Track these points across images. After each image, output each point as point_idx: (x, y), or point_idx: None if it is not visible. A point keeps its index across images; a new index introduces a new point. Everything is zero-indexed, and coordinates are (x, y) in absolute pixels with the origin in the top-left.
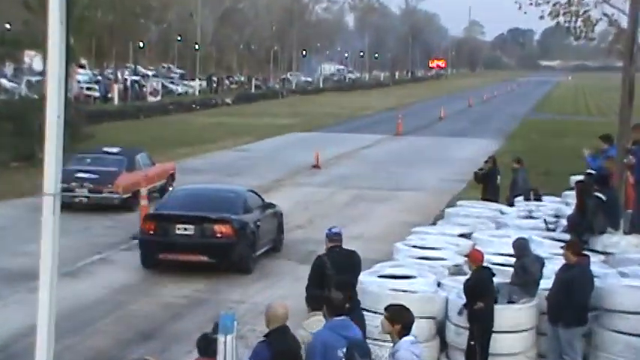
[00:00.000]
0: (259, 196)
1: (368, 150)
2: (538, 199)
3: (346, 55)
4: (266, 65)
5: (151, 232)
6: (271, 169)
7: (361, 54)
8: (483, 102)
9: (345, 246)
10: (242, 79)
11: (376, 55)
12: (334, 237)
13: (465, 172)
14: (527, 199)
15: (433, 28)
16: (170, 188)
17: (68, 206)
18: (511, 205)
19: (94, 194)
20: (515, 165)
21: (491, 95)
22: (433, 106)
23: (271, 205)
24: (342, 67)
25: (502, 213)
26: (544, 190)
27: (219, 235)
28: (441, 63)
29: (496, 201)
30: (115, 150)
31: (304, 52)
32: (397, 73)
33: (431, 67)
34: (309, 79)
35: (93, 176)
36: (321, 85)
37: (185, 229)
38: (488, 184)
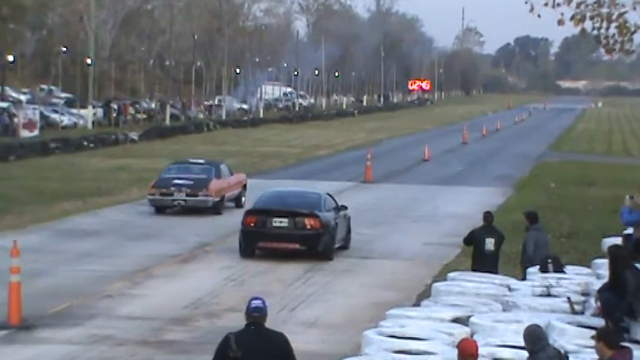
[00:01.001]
0: (334, 199)
1: None
2: (559, 270)
3: (296, 73)
4: (186, 87)
5: (252, 225)
6: (192, 230)
7: (316, 72)
8: (483, 137)
9: (294, 335)
10: (153, 106)
11: (337, 74)
12: (252, 312)
13: (458, 232)
14: (544, 270)
15: (414, 37)
16: (243, 198)
17: (167, 208)
18: (523, 278)
19: (190, 197)
20: (527, 224)
21: (494, 128)
22: (414, 144)
23: (343, 207)
24: (290, 89)
25: (510, 289)
26: (567, 257)
27: (309, 227)
28: (425, 84)
29: (493, 272)
30: (201, 160)
31: (238, 70)
32: (366, 98)
33: (411, 90)
34: (245, 107)
35: (189, 182)
36: (261, 114)
37: (280, 222)
38: (477, 249)
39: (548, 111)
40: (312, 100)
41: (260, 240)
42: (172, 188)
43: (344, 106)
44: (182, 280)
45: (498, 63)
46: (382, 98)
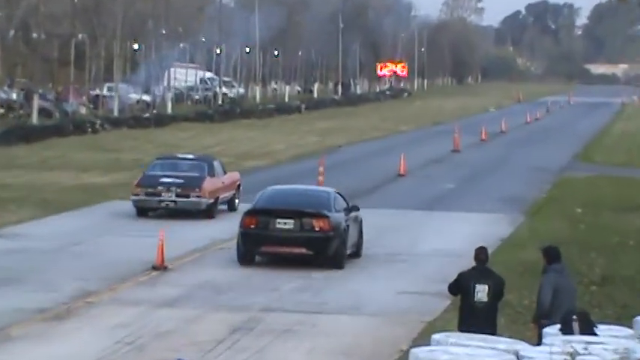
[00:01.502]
0: (344, 198)
1: None
2: (588, 330)
3: (218, 51)
4: (61, 70)
5: (252, 227)
6: (71, 271)
7: (247, 50)
8: (481, 143)
9: None
10: (14, 96)
11: (276, 53)
12: None
13: (446, 277)
14: (567, 330)
15: (385, 2)
16: (237, 200)
17: (152, 210)
18: (538, 342)
19: (181, 199)
20: (545, 263)
21: (497, 130)
22: (386, 152)
23: (355, 208)
24: (210, 74)
25: (520, 358)
26: (598, 313)
27: (317, 229)
28: (400, 68)
29: (487, 331)
30: (191, 155)
31: (136, 46)
32: (317, 88)
33: (381, 77)
34: (147, 98)
35: (178, 181)
36: (169, 108)
37: (285, 223)
38: (465, 299)
39: (574, 106)
40: (242, 90)
41: (262, 244)
42: (160, 187)
43: (286, 99)
44: (53, 344)
45: (504, 39)
46: (341, 88)
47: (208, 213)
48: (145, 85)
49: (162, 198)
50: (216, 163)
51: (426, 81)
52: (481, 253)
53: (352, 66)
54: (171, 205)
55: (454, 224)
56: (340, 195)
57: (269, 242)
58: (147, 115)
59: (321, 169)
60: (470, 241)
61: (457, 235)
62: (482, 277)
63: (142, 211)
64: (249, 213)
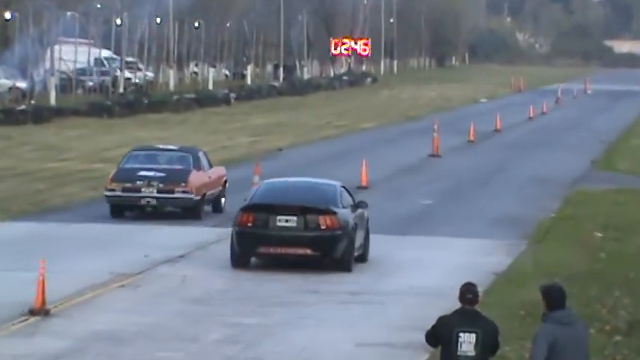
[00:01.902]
0: (350, 193)
1: (173, 268)
2: None
3: (118, 22)
4: None
5: (249, 225)
6: None
7: (158, 21)
8: (469, 146)
9: None
10: None
11: (196, 25)
12: None
13: (421, 323)
14: None
15: None
16: (223, 199)
17: (129, 210)
18: None
19: (164, 195)
20: (544, 309)
21: (490, 128)
22: (342, 156)
23: (362, 204)
24: (109, 53)
25: None
26: None
27: (323, 227)
28: (361, 46)
29: None
30: (173, 146)
31: (8, 15)
32: (252, 72)
33: (336, 56)
34: (22, 85)
35: (160, 174)
36: (52, 99)
37: (287, 220)
38: (445, 351)
39: (592, 96)
40: (151, 74)
41: (260, 244)
42: (139, 182)
43: (211, 86)
44: None
45: (499, 8)
46: (283, 71)
47: (195, 212)
48: (19, 67)
49: (142, 194)
50: (201, 155)
51: (396, 63)
52: (468, 292)
53: (298, 43)
54: (153, 202)
55: (433, 253)
56: (346, 189)
57: (268, 242)
58: (22, 107)
59: (256, 178)
60: (454, 276)
61: (437, 268)
62: (468, 323)
63: (118, 210)
64: (245, 209)
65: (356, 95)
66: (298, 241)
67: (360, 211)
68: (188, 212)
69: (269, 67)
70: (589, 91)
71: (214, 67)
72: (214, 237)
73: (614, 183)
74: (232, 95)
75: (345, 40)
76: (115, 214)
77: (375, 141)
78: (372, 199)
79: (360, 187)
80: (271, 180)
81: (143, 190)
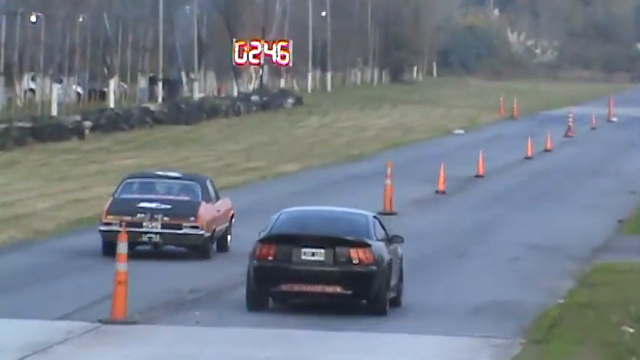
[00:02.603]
0: (382, 225)
1: None
2: None
3: None
4: None
5: (270, 258)
6: None
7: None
8: (436, 197)
9: None
10: None
11: (33, 20)
12: None
13: None
14: None
15: None
16: (229, 236)
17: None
18: None
19: (170, 230)
20: None
21: (467, 173)
22: (250, 219)
23: (398, 239)
24: None
25: None
26: None
27: (356, 261)
28: (278, 51)
29: None
30: (176, 174)
31: None
32: (114, 88)
33: (241, 66)
34: None
35: (165, 206)
36: None
37: (313, 253)
38: None
39: (618, 124)
40: None
41: (282, 281)
42: (141, 215)
43: (54, 111)
44: None
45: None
46: (162, 88)
47: (203, 251)
48: None
49: (143, 229)
50: (208, 184)
51: (330, 76)
52: None
53: (185, 47)
54: (156, 238)
55: (387, 354)
56: (379, 220)
57: (292, 279)
58: None
59: (121, 247)
60: None
61: None
62: None
63: (113, 247)
64: (265, 240)
65: (271, 124)
66: (328, 277)
67: (394, 246)
68: (195, 251)
69: (142, 83)
70: (614, 118)
71: (60, 81)
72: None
73: None
74: (87, 124)
75: (254, 44)
76: (109, 251)
77: (300, 192)
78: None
79: None
80: (292, 208)
81: (145, 224)
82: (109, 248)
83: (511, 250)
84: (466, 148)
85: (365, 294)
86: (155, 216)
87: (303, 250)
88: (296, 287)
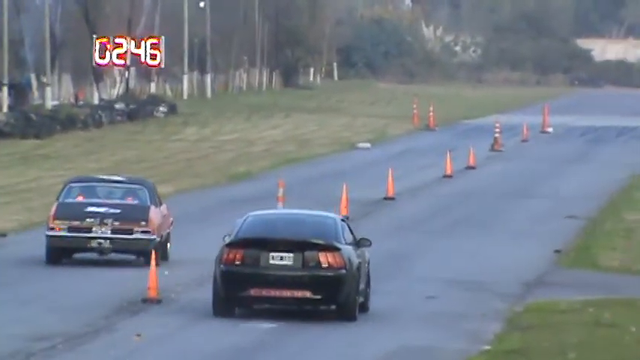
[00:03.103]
0: (350, 228)
1: None
2: None
3: None
4: None
5: (237, 263)
6: None
7: None
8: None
9: None
10: None
11: None
12: None
13: None
14: None
15: None
16: (169, 244)
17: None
18: None
19: (120, 235)
20: None
21: (375, 194)
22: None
23: (365, 242)
24: None
25: None
26: None
27: (325, 265)
28: (148, 50)
29: None
30: (121, 178)
31: None
32: None
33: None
34: None
35: (114, 210)
36: None
37: (281, 257)
38: None
39: (555, 136)
40: None
41: (250, 286)
42: (89, 220)
43: None
44: None
45: None
46: (8, 94)
47: (162, 254)
48: None
49: (92, 234)
50: (154, 188)
51: (210, 79)
52: None
53: (35, 45)
54: (105, 244)
55: None
56: (347, 223)
57: (261, 283)
58: None
59: None
60: None
61: None
62: None
63: (60, 254)
64: (232, 244)
65: (140, 136)
66: (297, 282)
67: (361, 249)
68: (143, 257)
69: None
70: (549, 129)
71: None
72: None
73: (596, 289)
74: None
75: (119, 41)
76: (53, 259)
77: (174, 219)
78: None
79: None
80: (259, 212)
81: (94, 229)
82: (54, 255)
83: (427, 286)
84: (373, 165)
85: (334, 299)
86: (105, 220)
87: (272, 254)
88: (264, 292)
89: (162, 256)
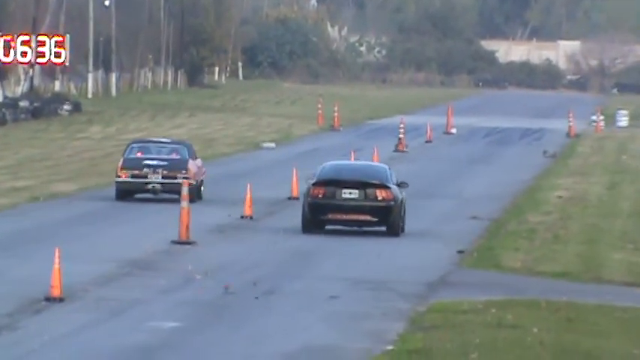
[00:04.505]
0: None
1: None
2: None
3: None
4: None
5: (320, 196)
6: None
7: None
8: (245, 223)
9: None
10: None
11: None
12: None
13: None
14: None
15: None
16: (202, 187)
17: (136, 193)
18: None
19: (168, 180)
20: None
21: (280, 194)
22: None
23: (404, 185)
24: None
25: None
26: None
27: (380, 198)
28: (53, 48)
29: None
30: (167, 139)
31: None
32: None
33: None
34: None
35: (163, 163)
36: None
37: (350, 192)
38: None
39: (458, 137)
40: None
41: (329, 212)
42: (145, 170)
43: None
44: None
45: None
46: None
47: (197, 194)
48: None
49: (148, 180)
50: (191, 147)
51: (114, 78)
52: None
53: None
54: (158, 187)
55: None
56: (392, 171)
57: (336, 210)
58: None
59: None
60: None
61: None
62: None
63: (126, 194)
64: (316, 184)
65: (44, 134)
66: (360, 209)
67: (402, 189)
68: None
69: None
70: (453, 130)
71: None
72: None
73: (498, 290)
74: None
75: (23, 37)
76: (121, 198)
77: (79, 217)
78: None
79: None
80: (332, 162)
81: (149, 176)
82: (121, 195)
83: (331, 286)
84: (278, 165)
85: (385, 221)
86: (157, 170)
87: (343, 190)
88: (338, 216)
89: (197, 196)
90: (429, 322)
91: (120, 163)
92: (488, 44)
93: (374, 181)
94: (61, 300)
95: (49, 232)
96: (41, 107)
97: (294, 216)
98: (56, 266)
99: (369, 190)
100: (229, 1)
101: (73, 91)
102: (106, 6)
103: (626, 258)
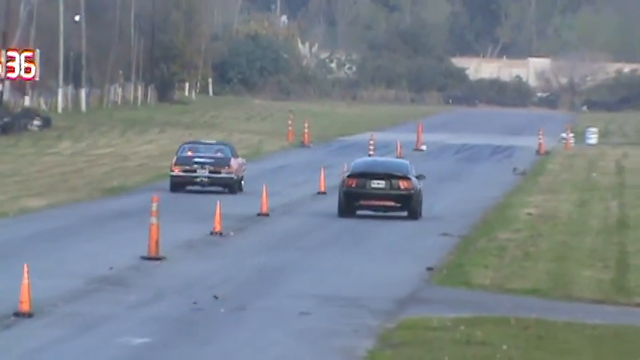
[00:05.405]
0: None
1: None
2: None
3: None
4: None
5: (353, 186)
6: None
7: None
8: (212, 242)
9: None
10: None
11: None
12: None
13: None
14: None
15: None
16: (242, 182)
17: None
18: None
19: (214, 175)
20: None
21: (250, 210)
22: None
23: (422, 177)
24: None
25: None
26: None
27: (402, 188)
28: (22, 63)
29: None
30: (213, 141)
31: None
32: None
33: None
34: None
35: (210, 160)
36: None
37: (378, 183)
38: None
39: (428, 154)
40: None
41: (361, 199)
42: (195, 166)
43: None
44: None
45: (265, 2)
46: None
47: (238, 187)
48: None
49: (197, 174)
50: (234, 147)
51: (84, 94)
52: None
53: None
54: (205, 180)
55: None
56: (413, 165)
57: (366, 197)
58: None
59: None
60: None
61: None
62: None
63: (178, 186)
64: (350, 176)
65: (13, 150)
66: (386, 197)
67: (420, 181)
68: (229, 189)
69: None
70: (423, 147)
71: None
72: None
73: (468, 307)
74: None
75: None
76: (175, 190)
77: (48, 232)
78: None
79: None
80: (363, 158)
81: (198, 171)
82: (175, 187)
83: (300, 303)
84: (248, 181)
85: (407, 207)
86: (204, 166)
87: (372, 181)
88: (368, 202)
89: (239, 188)
90: (398, 339)
91: (173, 160)
92: (458, 61)
93: (397, 174)
94: (30, 315)
95: (18, 247)
96: (11, 122)
97: (264, 233)
98: (25, 281)
99: (394, 181)
100: (200, 17)
101: (43, 106)
102: (76, 21)
103: (595, 275)
